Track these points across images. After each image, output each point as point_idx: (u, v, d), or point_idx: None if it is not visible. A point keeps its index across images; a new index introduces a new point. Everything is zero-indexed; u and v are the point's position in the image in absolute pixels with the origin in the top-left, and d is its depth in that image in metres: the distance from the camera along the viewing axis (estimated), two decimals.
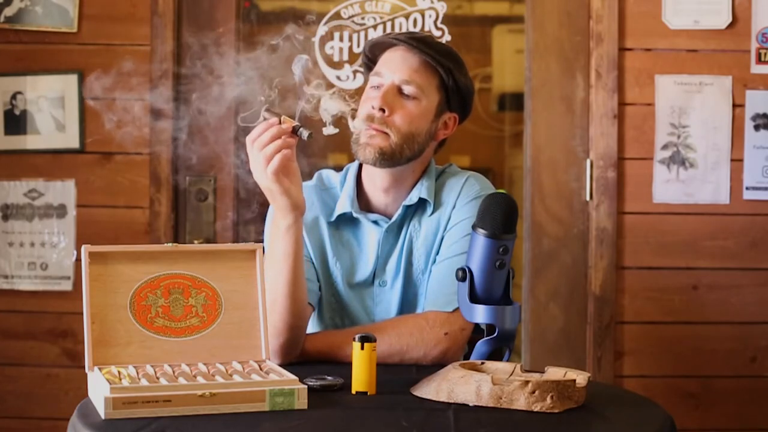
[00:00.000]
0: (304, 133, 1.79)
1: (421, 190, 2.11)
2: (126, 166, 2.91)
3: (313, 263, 2.09)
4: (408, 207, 2.11)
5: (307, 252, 2.08)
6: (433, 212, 2.11)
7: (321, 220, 2.12)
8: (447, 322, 2.01)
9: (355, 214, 2.10)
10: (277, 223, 1.86)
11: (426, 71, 2.06)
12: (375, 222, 2.11)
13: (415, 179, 2.12)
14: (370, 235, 2.11)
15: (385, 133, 2.02)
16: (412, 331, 2.00)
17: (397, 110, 2.03)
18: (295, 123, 1.80)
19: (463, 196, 2.11)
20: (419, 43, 2.05)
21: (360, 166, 2.15)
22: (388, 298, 2.10)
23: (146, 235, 2.89)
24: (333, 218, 2.11)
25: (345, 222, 2.12)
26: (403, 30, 2.97)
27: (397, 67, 2.05)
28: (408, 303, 2.10)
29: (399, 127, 2.03)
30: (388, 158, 2.04)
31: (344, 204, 2.11)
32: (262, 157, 1.78)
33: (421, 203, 2.12)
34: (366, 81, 2.15)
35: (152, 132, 2.90)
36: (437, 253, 2.09)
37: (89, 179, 2.91)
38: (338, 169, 2.22)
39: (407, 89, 2.04)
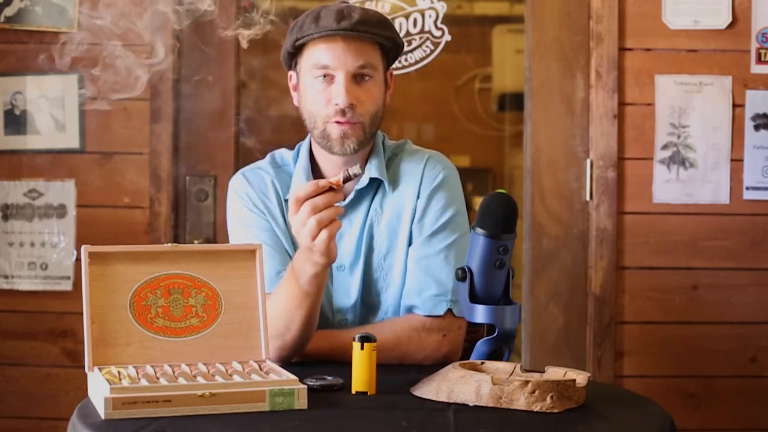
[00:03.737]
0: (354, 171, 1.75)
1: (371, 170, 2.08)
2: (126, 166, 2.91)
3: (288, 252, 2.06)
4: (360, 190, 2.08)
5: (278, 240, 2.07)
6: (393, 192, 2.09)
7: (282, 201, 2.09)
8: (443, 324, 2.01)
9: None
10: (302, 267, 1.84)
11: (371, 48, 2.02)
12: None
13: (367, 151, 2.09)
14: None
15: (358, 123, 2.00)
16: (410, 336, 2.00)
17: (361, 98, 2.00)
18: (341, 176, 1.75)
19: (426, 181, 2.09)
20: (357, 27, 1.98)
21: (310, 143, 2.13)
22: (346, 282, 2.07)
23: (146, 235, 2.89)
24: (289, 195, 2.09)
25: None
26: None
27: (345, 55, 1.99)
28: (369, 287, 2.08)
29: (368, 111, 2.01)
30: (364, 145, 2.04)
31: (300, 179, 2.08)
32: (315, 222, 1.74)
33: (377, 184, 2.09)
34: (293, 70, 2.09)
35: (152, 132, 2.90)
36: (409, 241, 2.07)
37: (89, 179, 2.91)
38: (291, 148, 2.20)
39: (364, 71, 2.00)
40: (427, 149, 2.18)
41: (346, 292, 2.08)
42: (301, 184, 2.06)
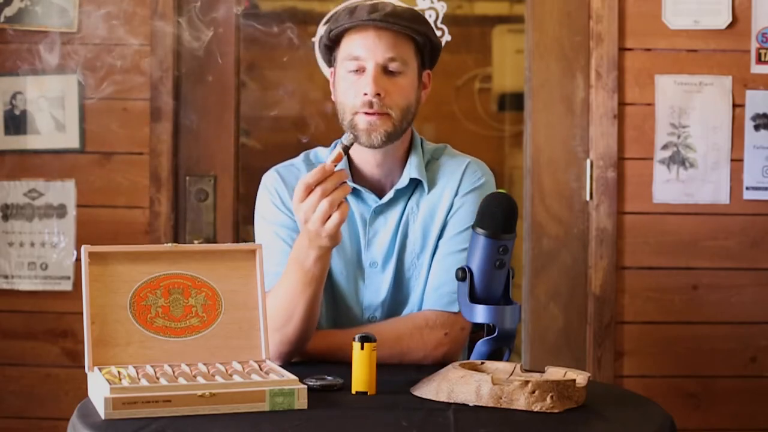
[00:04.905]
0: (348, 140, 1.80)
1: (411, 170, 2.09)
2: (126, 166, 2.91)
3: None
4: (399, 190, 2.09)
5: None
6: (429, 191, 2.09)
7: None
8: (447, 322, 2.01)
9: (350, 184, 2.06)
10: (306, 252, 1.86)
11: (403, 42, 2.03)
12: (364, 200, 2.09)
13: (404, 149, 2.10)
14: (361, 212, 2.10)
15: (386, 114, 2.00)
16: (412, 333, 2.00)
17: (390, 90, 2.00)
18: (339, 149, 1.79)
19: (465, 182, 2.10)
20: (388, 18, 2.00)
21: None
22: (378, 279, 2.08)
23: (146, 235, 2.89)
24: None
25: None
26: None
27: (375, 46, 2.00)
28: (399, 286, 2.08)
29: (398, 104, 2.01)
30: (393, 138, 2.03)
31: None
32: (327, 204, 1.76)
33: (415, 184, 2.10)
34: (332, 65, 2.11)
35: (152, 132, 2.90)
36: (438, 239, 2.08)
37: (89, 179, 2.91)
38: (326, 145, 2.21)
39: (393, 66, 2.01)
40: (468, 155, 2.19)
41: (377, 289, 2.08)
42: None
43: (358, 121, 2.01)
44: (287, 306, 1.89)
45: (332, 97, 2.12)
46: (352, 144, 1.80)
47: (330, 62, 2.13)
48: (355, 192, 2.08)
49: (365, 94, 1.99)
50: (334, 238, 1.81)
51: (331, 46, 2.08)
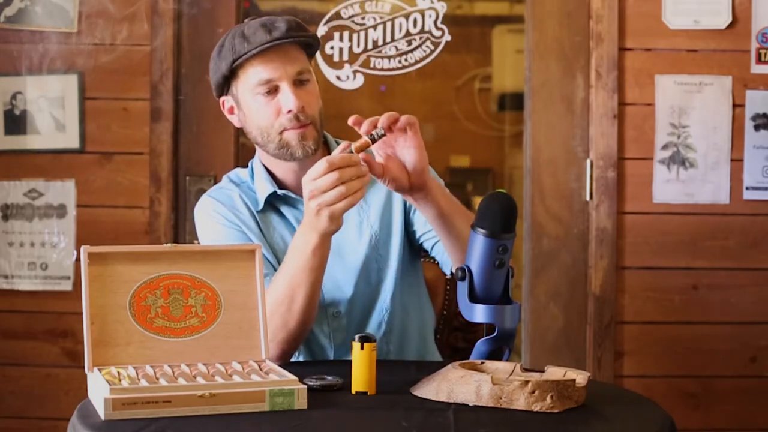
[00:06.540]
0: (379, 132, 1.79)
1: None
2: (126, 166, 2.91)
3: (266, 257, 2.07)
4: None
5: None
6: (373, 185, 2.10)
7: (253, 212, 2.11)
8: None
9: (279, 193, 2.09)
10: (307, 240, 1.86)
11: (300, 53, 2.05)
12: (293, 204, 2.10)
13: (322, 153, 2.08)
14: (295, 215, 2.11)
15: (310, 124, 2.03)
16: None
17: (307, 100, 2.03)
18: (368, 139, 1.79)
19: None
20: (290, 33, 2.01)
21: (260, 159, 2.15)
22: (334, 273, 2.07)
23: (146, 235, 2.89)
24: (261, 206, 2.10)
25: (271, 208, 2.12)
26: (403, 30, 2.97)
27: (284, 64, 2.01)
28: (367, 278, 2.10)
29: (315, 111, 2.05)
30: (319, 144, 2.06)
31: (265, 188, 2.10)
32: (345, 189, 1.77)
33: None
34: (226, 95, 2.10)
35: (152, 132, 2.90)
36: (403, 225, 2.11)
37: (89, 179, 2.91)
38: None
39: (302, 77, 2.03)
40: None
41: (337, 286, 2.08)
42: (268, 191, 2.10)
43: (288, 137, 2.03)
44: (285, 302, 1.88)
45: (236, 124, 2.13)
46: (382, 136, 1.79)
47: (222, 92, 2.11)
48: (283, 198, 2.10)
49: (289, 111, 2.01)
50: (336, 222, 1.81)
51: (229, 76, 2.07)
